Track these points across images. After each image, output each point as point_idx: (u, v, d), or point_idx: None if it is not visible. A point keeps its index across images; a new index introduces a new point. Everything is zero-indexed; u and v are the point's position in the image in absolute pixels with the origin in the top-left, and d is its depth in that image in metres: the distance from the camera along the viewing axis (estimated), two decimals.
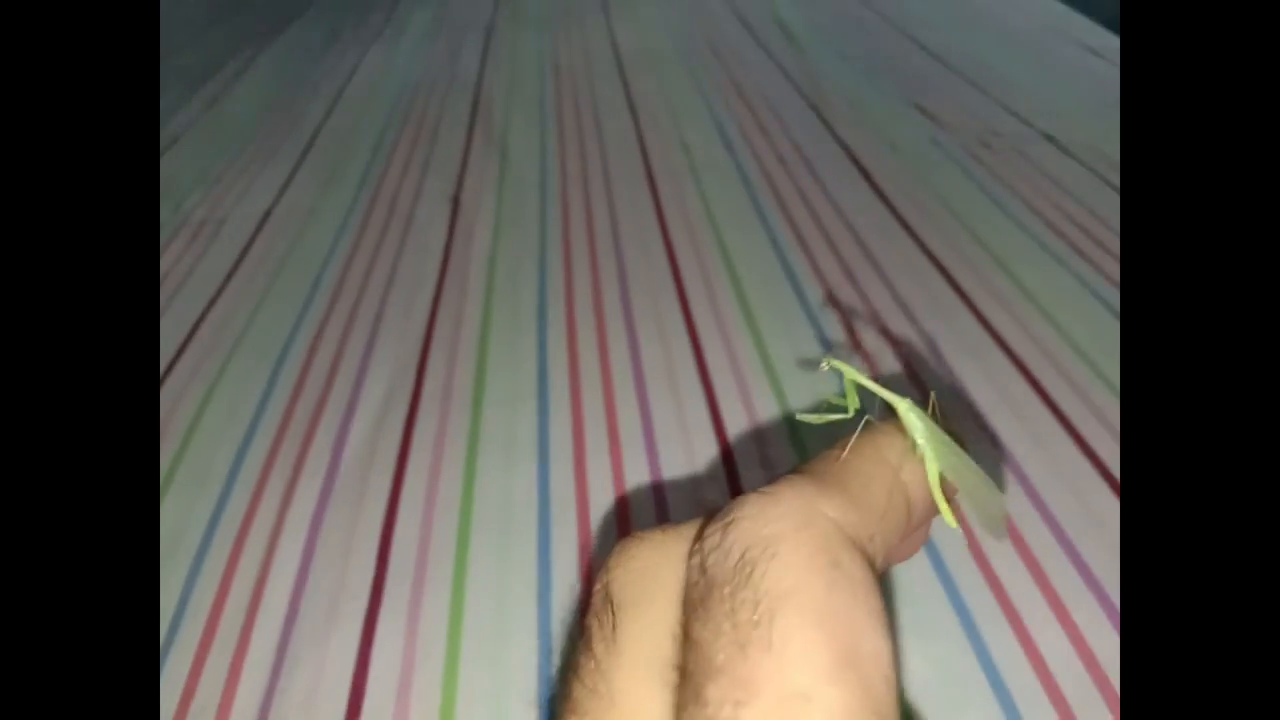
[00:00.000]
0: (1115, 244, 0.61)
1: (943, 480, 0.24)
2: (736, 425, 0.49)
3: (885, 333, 0.56)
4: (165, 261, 0.73)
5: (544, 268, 0.67)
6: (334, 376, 0.57)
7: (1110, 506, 0.43)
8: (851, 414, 0.26)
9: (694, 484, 0.47)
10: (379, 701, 0.37)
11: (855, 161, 0.75)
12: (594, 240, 0.70)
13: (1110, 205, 0.64)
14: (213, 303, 0.67)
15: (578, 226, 0.72)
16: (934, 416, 0.24)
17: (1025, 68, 0.88)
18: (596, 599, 0.21)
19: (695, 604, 0.18)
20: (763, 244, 0.66)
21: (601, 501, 0.45)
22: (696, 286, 0.62)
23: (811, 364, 0.53)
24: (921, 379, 0.52)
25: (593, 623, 0.20)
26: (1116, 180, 0.67)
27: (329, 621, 0.41)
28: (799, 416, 0.28)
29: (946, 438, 0.24)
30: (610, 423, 0.50)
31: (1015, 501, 0.44)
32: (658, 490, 0.46)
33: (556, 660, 0.38)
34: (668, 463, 0.47)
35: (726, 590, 0.18)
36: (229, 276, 0.70)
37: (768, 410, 0.50)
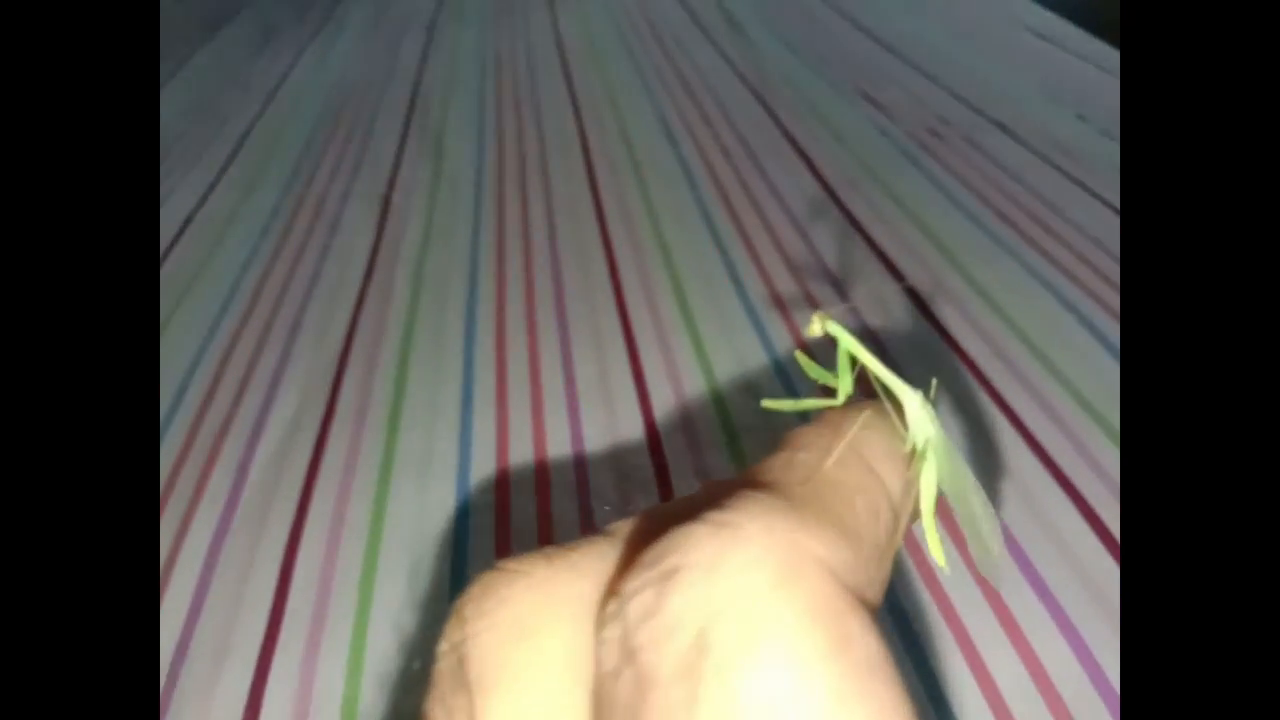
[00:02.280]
0: (1068, 233, 0.58)
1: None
2: (675, 440, 0.46)
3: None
4: None
5: (475, 272, 0.63)
6: (243, 394, 0.53)
7: (1061, 508, 0.40)
8: (843, 400, 0.19)
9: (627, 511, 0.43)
10: None
11: (801, 153, 0.72)
12: (529, 241, 0.66)
13: (1063, 193, 0.62)
14: None
15: (513, 226, 0.69)
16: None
17: (975, 55, 0.85)
18: (444, 671, 0.14)
19: (617, 708, 0.12)
20: (704, 241, 0.63)
21: (526, 531, 0.42)
22: (634, 289, 0.59)
23: (753, 381, 0.50)
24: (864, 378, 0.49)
25: (436, 712, 0.13)
26: (1069, 167, 0.65)
27: (218, 663, 0.37)
28: (765, 404, 0.21)
29: (953, 447, 0.18)
30: (538, 441, 0.47)
31: None
32: (586, 516, 0.43)
33: None
34: (598, 485, 0.44)
35: (675, 695, 0.11)
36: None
37: (707, 421, 0.47)
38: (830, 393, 0.19)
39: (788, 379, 0.49)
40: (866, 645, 0.12)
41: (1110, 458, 0.43)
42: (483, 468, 0.46)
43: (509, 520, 0.43)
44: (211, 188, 0.81)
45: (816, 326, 0.19)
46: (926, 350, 0.50)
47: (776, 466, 0.15)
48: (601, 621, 0.13)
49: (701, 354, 0.52)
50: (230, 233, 0.73)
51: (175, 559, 0.42)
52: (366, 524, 0.43)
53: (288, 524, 0.43)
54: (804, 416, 0.18)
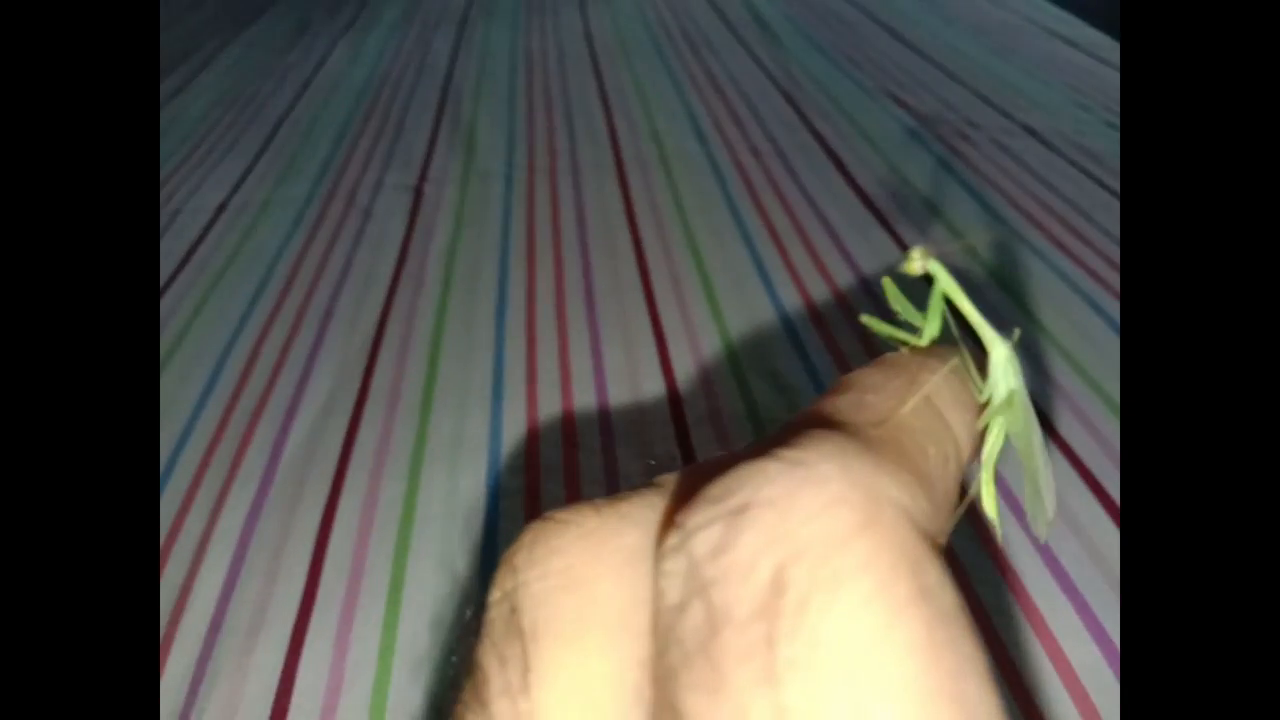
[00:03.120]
0: (1096, 237, 0.58)
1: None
2: (701, 433, 0.47)
3: (855, 326, 0.53)
4: None
5: (505, 263, 0.64)
6: (276, 377, 0.54)
7: (1079, 496, 0.41)
8: (926, 341, 0.18)
9: None
10: None
11: (830, 153, 0.72)
12: (559, 234, 0.67)
13: (1091, 197, 0.62)
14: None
15: (543, 219, 0.69)
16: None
17: (1004, 60, 0.86)
18: (496, 620, 0.13)
19: (683, 649, 0.11)
20: (732, 237, 0.63)
21: None
22: (663, 282, 0.59)
23: (779, 371, 0.51)
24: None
25: (489, 660, 0.13)
26: (1097, 172, 0.65)
27: (252, 636, 0.38)
28: (865, 319, 0.20)
29: (1030, 405, 0.17)
30: (567, 428, 0.48)
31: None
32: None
33: None
34: (627, 472, 0.45)
35: (752, 633, 0.10)
36: (176, 272, 0.67)
37: (734, 411, 0.48)
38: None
39: (814, 371, 0.49)
40: (945, 594, 0.11)
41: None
42: (513, 453, 0.46)
43: (539, 505, 0.43)
44: (245, 176, 0.83)
45: (917, 263, 0.17)
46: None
47: (844, 407, 0.15)
48: (662, 554, 0.12)
49: (729, 346, 0.53)
50: (263, 221, 0.74)
51: (210, 536, 0.43)
52: (399, 506, 0.43)
53: (321, 504, 0.44)
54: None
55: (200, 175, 0.84)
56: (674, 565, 0.12)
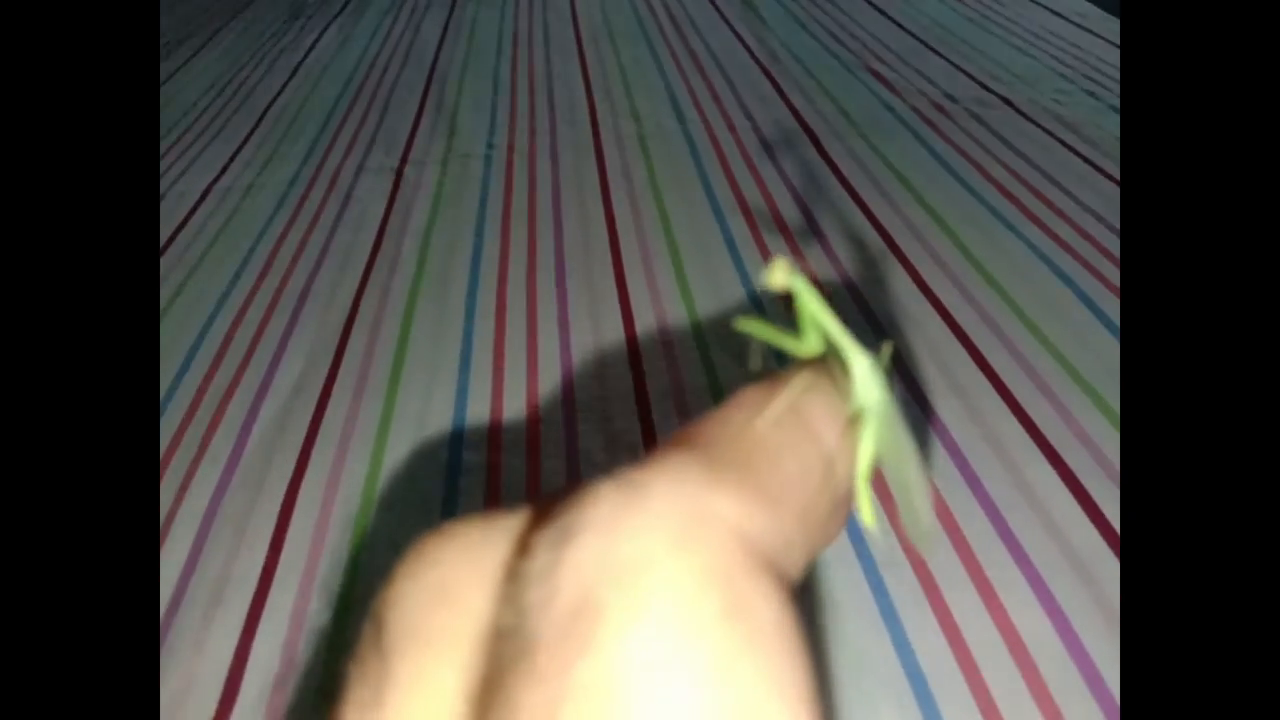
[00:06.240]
0: (1068, 206, 0.58)
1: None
2: (664, 411, 0.47)
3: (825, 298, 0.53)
4: None
5: (479, 242, 0.64)
6: (250, 356, 0.54)
7: (1043, 475, 0.41)
8: (808, 353, 0.18)
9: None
10: (252, 699, 0.35)
11: (806, 128, 0.72)
12: (534, 212, 0.67)
13: (1064, 167, 0.62)
14: None
15: (519, 199, 0.70)
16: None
17: (985, 32, 0.85)
18: (365, 632, 0.13)
19: (501, 667, 0.11)
20: (704, 213, 0.63)
21: (516, 490, 0.43)
22: (634, 258, 0.60)
23: (745, 353, 0.51)
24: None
25: (352, 673, 0.13)
26: (1073, 142, 0.64)
27: (210, 612, 0.39)
28: (739, 324, 0.19)
29: (898, 417, 0.18)
30: (530, 404, 0.48)
31: (947, 478, 0.41)
32: (574, 477, 0.44)
33: None
34: (587, 447, 0.45)
35: (552, 660, 0.10)
36: (158, 255, 0.67)
37: (697, 388, 0.48)
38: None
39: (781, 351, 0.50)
40: (762, 612, 0.11)
41: (1098, 428, 0.43)
42: (476, 428, 0.47)
43: (500, 480, 0.44)
44: (231, 160, 0.83)
45: (778, 276, 0.17)
46: (916, 319, 0.51)
47: (711, 424, 0.14)
48: (506, 578, 0.12)
49: (696, 323, 0.53)
50: (247, 204, 0.74)
51: (175, 516, 0.44)
52: (361, 483, 0.44)
53: (285, 484, 0.45)
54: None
55: (188, 159, 0.84)
56: (509, 589, 0.12)
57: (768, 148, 0.71)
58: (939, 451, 0.42)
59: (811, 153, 0.69)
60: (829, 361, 0.17)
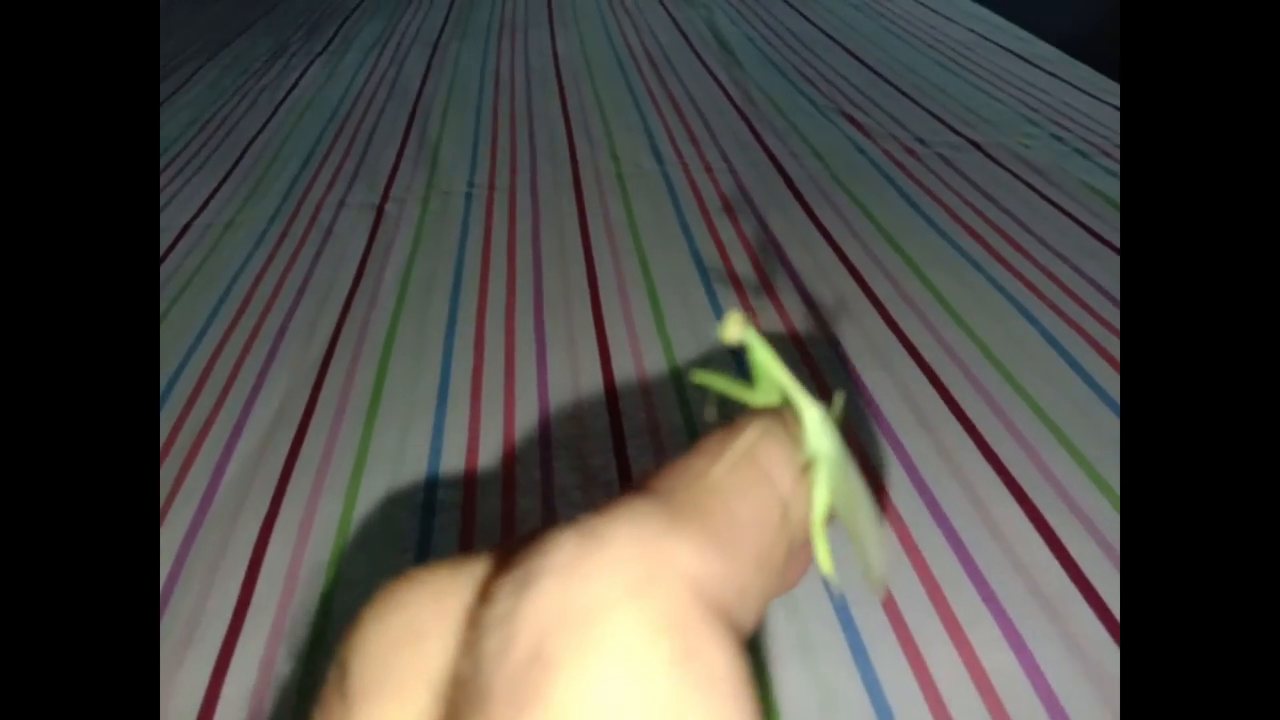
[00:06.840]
0: (1034, 248, 0.59)
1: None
2: (640, 448, 0.48)
3: (795, 338, 0.54)
4: None
5: (459, 279, 0.65)
6: (226, 394, 0.55)
7: (1010, 514, 0.42)
8: (762, 403, 0.18)
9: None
10: None
11: (780, 170, 0.74)
12: (514, 249, 0.68)
13: (1031, 209, 0.63)
14: None
15: (499, 236, 0.71)
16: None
17: (956, 76, 0.87)
18: (331, 674, 0.13)
19: (458, 715, 0.11)
20: (681, 253, 0.65)
21: (490, 529, 0.43)
22: (612, 298, 0.60)
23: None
24: (827, 381, 0.50)
25: (316, 714, 0.13)
26: (1038, 184, 0.66)
27: (181, 651, 0.39)
28: (695, 376, 0.19)
29: (851, 464, 0.18)
30: (507, 442, 0.49)
31: (914, 514, 0.42)
32: (550, 516, 0.44)
33: None
34: (563, 485, 0.46)
35: (501, 711, 0.10)
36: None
37: (673, 428, 0.49)
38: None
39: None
40: (713, 658, 0.11)
41: (1063, 466, 0.44)
42: (452, 467, 0.47)
43: (475, 519, 0.44)
44: (212, 195, 0.84)
45: (732, 330, 0.17)
46: (886, 358, 0.52)
47: (671, 473, 0.15)
48: (468, 625, 0.12)
49: (672, 363, 0.54)
50: (227, 239, 0.75)
51: None
52: (335, 522, 0.44)
53: (259, 521, 0.45)
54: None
55: (169, 194, 0.85)
56: (469, 636, 0.12)
57: (743, 189, 0.72)
58: (907, 489, 0.43)
59: (784, 192, 0.70)
60: (784, 412, 0.18)
